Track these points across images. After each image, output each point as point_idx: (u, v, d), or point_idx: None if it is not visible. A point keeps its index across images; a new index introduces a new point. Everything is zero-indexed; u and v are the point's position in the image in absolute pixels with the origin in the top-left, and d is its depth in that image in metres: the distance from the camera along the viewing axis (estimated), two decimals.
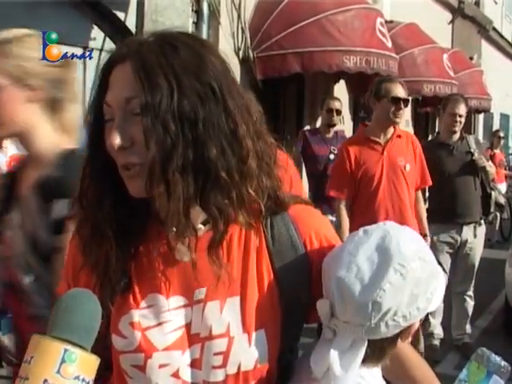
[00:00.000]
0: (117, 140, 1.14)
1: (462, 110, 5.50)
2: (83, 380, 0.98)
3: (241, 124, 1.18)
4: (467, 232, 5.51)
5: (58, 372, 0.96)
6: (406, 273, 1.17)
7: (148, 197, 1.19)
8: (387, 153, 4.63)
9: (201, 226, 1.23)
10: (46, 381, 0.95)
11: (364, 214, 4.46)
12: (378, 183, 4.56)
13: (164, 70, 1.13)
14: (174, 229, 1.17)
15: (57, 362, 0.96)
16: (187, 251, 1.22)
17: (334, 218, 5.86)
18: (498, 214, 5.72)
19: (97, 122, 1.22)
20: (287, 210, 1.30)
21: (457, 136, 5.58)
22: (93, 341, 1.03)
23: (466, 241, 5.52)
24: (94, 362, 1.01)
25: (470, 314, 5.77)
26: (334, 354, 1.20)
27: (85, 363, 0.99)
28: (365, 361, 1.20)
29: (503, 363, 1.31)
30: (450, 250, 5.48)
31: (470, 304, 5.72)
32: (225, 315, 1.22)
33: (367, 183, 4.58)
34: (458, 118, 5.49)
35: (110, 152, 1.18)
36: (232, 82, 1.21)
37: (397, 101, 4.62)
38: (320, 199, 5.03)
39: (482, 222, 5.66)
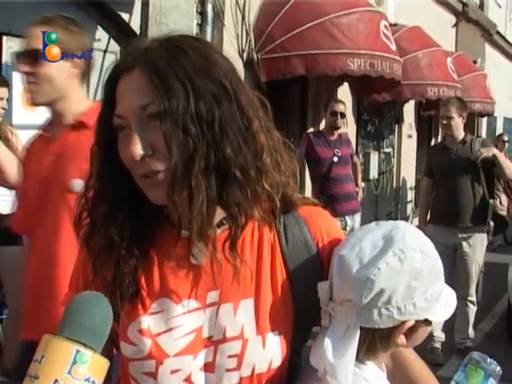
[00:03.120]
0: (138, 149, 1.12)
1: (449, 111, 5.58)
2: (93, 382, 0.98)
3: (254, 119, 1.18)
4: (461, 236, 5.53)
5: (69, 373, 0.96)
6: (405, 258, 1.17)
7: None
8: None
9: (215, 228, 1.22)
10: (56, 381, 0.95)
11: None
12: None
13: (177, 73, 1.13)
14: (197, 231, 1.16)
15: (68, 362, 0.96)
16: (202, 254, 1.22)
17: (337, 222, 5.89)
18: (492, 223, 5.67)
19: (107, 137, 1.20)
20: (297, 211, 1.30)
21: (459, 139, 5.60)
22: (103, 343, 1.03)
23: (461, 245, 5.54)
24: (104, 364, 1.01)
25: (472, 319, 5.77)
26: (327, 341, 1.21)
27: (96, 365, 0.99)
28: (356, 354, 1.20)
29: (498, 367, 1.34)
30: (447, 252, 5.44)
31: (472, 309, 5.72)
32: (238, 317, 1.21)
33: None
34: (445, 121, 5.57)
35: (128, 162, 1.16)
36: (239, 79, 1.21)
37: None
38: (324, 202, 5.04)
39: (482, 228, 5.65)
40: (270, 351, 1.22)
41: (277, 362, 1.23)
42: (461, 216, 5.52)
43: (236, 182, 1.16)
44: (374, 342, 1.23)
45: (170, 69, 1.13)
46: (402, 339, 1.23)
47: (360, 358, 1.23)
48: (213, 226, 1.20)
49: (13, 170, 3.45)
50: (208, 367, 1.21)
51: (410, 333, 1.24)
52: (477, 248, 5.63)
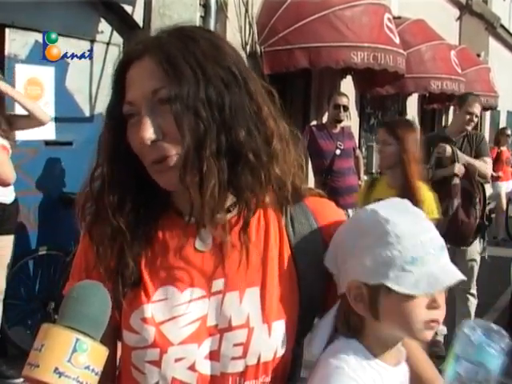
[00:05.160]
0: (149, 133, 1.14)
1: (479, 109, 5.61)
2: (93, 370, 0.99)
3: (263, 105, 1.21)
4: None
5: (69, 361, 0.97)
6: (353, 216, 1.32)
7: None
8: None
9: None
10: (56, 369, 0.96)
11: None
12: None
13: (187, 60, 1.15)
14: (208, 215, 1.17)
15: (68, 350, 0.97)
16: (206, 241, 1.23)
17: None
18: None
19: (116, 125, 1.21)
20: (304, 201, 1.31)
21: (463, 133, 5.63)
22: (102, 332, 1.04)
23: None
24: (103, 352, 1.02)
25: (473, 312, 5.76)
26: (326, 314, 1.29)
27: (95, 353, 1.00)
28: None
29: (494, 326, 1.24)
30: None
31: (473, 303, 5.71)
32: (244, 306, 1.22)
33: None
34: (475, 118, 5.58)
35: (138, 148, 1.18)
36: (247, 68, 1.24)
37: None
38: (326, 195, 5.03)
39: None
40: (276, 340, 1.22)
41: (282, 350, 1.24)
42: None
43: (248, 166, 1.18)
44: (347, 312, 1.25)
45: (181, 55, 1.15)
46: (357, 306, 1.22)
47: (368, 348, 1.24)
48: (224, 210, 1.22)
49: (8, 173, 3.50)
50: (213, 355, 1.22)
51: (371, 301, 1.21)
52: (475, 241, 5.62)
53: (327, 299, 1.32)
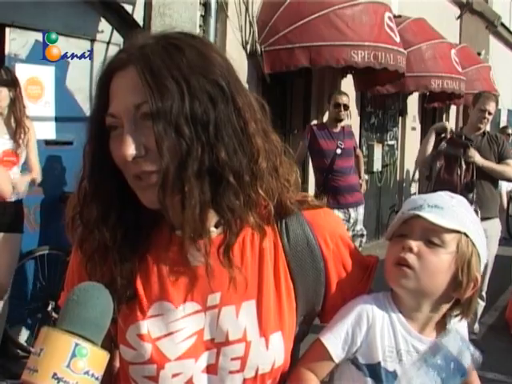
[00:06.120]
0: (130, 149, 1.09)
1: (492, 107, 5.62)
2: (92, 375, 0.97)
3: (250, 121, 1.15)
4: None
5: (68, 366, 0.95)
6: None
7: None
8: None
9: (213, 228, 1.20)
10: (55, 374, 0.94)
11: None
12: None
13: (172, 73, 1.09)
14: (189, 236, 1.14)
15: (67, 356, 0.96)
16: (199, 256, 1.19)
17: (340, 214, 5.87)
18: None
19: (99, 135, 1.17)
20: (301, 212, 1.27)
21: (479, 132, 5.65)
22: (103, 336, 1.02)
23: None
24: (103, 357, 1.00)
25: (479, 314, 5.76)
26: None
27: (95, 358, 0.98)
28: None
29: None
30: None
31: (481, 305, 5.73)
32: (241, 320, 1.19)
33: None
34: (487, 115, 5.59)
35: (120, 163, 1.13)
36: (237, 79, 1.18)
37: None
38: (326, 194, 5.03)
39: (497, 219, 5.65)
40: (273, 352, 1.21)
41: (280, 361, 1.22)
42: (483, 207, 5.49)
43: (229, 187, 1.13)
44: None
45: (165, 67, 1.09)
46: None
47: None
48: (206, 230, 1.17)
49: (6, 187, 3.53)
50: (210, 369, 1.21)
51: None
52: (493, 240, 5.63)
53: (326, 305, 1.31)
